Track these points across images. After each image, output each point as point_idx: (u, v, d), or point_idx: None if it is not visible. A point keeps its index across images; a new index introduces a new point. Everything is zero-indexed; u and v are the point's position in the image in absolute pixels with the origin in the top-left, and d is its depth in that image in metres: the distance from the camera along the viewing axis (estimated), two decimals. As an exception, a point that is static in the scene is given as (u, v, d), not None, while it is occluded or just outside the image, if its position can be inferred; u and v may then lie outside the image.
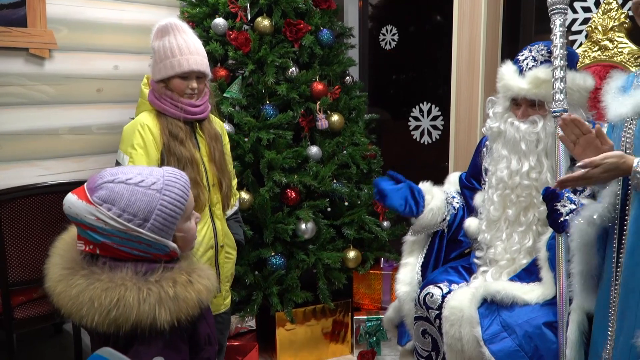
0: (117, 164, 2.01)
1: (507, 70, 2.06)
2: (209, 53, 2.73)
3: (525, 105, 2.02)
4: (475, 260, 2.19)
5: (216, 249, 2.14)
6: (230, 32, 2.75)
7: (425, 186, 2.27)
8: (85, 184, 1.25)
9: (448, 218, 2.27)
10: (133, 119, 3.13)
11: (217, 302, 2.20)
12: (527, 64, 2.01)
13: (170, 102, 2.01)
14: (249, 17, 2.80)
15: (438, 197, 2.25)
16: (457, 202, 2.31)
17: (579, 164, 1.48)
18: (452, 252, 2.31)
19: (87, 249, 1.24)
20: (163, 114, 2.03)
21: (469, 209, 2.30)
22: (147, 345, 1.21)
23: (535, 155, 1.99)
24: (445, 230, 2.28)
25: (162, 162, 2.00)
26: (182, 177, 1.32)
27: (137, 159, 1.95)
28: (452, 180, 2.44)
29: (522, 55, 2.05)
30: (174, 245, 1.28)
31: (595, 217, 1.53)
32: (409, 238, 2.35)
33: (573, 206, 1.70)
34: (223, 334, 2.29)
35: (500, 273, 2.05)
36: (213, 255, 2.13)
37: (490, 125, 2.12)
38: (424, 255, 2.30)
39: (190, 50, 2.01)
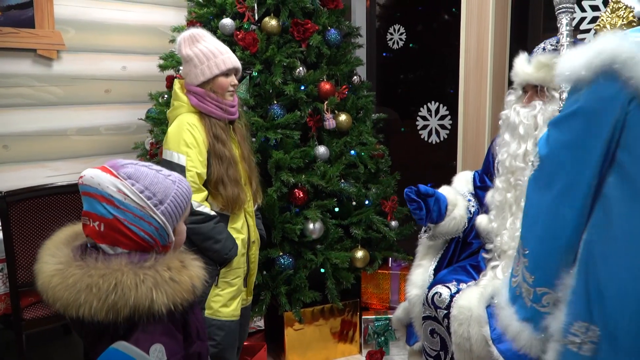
0: (167, 164, 2.01)
1: (519, 60, 2.10)
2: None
3: (532, 92, 2.05)
4: (484, 255, 2.19)
5: (248, 245, 2.25)
6: (238, 33, 2.75)
7: (449, 194, 2.26)
8: (105, 165, 1.30)
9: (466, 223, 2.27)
10: (142, 119, 3.17)
11: (243, 296, 2.29)
12: (537, 52, 2.07)
13: (216, 104, 2.11)
14: (256, 17, 2.80)
15: (461, 206, 2.25)
16: (473, 206, 2.31)
17: None
18: (462, 254, 2.30)
19: (92, 225, 1.27)
20: (207, 115, 2.11)
21: (482, 208, 2.29)
22: (146, 332, 1.24)
23: (532, 139, 2.01)
24: (462, 235, 2.28)
25: (209, 165, 2.08)
26: (187, 181, 1.41)
27: (193, 157, 2.03)
28: (462, 178, 2.43)
29: (536, 47, 2.10)
30: (173, 237, 1.34)
31: None
32: (426, 242, 2.35)
33: None
34: (243, 328, 2.37)
35: (510, 268, 2.04)
36: (246, 251, 2.24)
37: (501, 113, 2.14)
38: (438, 259, 2.30)
39: (227, 50, 2.17)
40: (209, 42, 2.14)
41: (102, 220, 1.26)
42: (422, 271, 2.27)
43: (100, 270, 1.22)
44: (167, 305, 1.24)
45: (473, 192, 2.36)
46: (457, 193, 2.30)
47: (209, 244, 2.05)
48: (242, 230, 2.21)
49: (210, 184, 2.11)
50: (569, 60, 1.25)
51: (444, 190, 2.27)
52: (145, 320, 1.23)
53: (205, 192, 2.07)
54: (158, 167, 1.35)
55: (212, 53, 2.11)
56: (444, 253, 2.30)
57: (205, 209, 2.05)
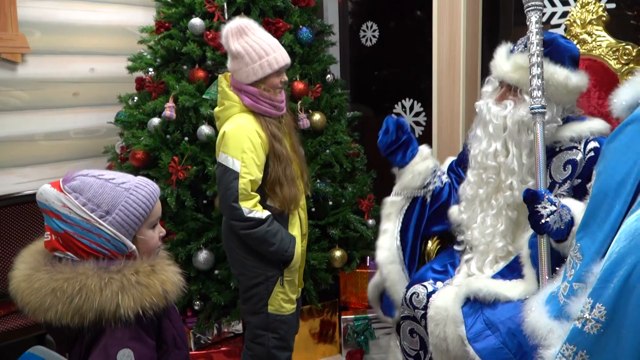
0: (222, 168, 1.99)
1: (500, 52, 2.07)
2: (186, 54, 2.70)
3: (506, 89, 2.03)
4: (456, 247, 2.19)
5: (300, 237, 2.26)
6: (208, 32, 2.70)
7: (423, 150, 2.26)
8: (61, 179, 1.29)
9: (432, 188, 2.26)
10: (111, 122, 3.11)
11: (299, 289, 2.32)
12: (517, 48, 2.02)
13: (270, 103, 2.08)
14: (226, 17, 2.75)
15: (425, 164, 2.23)
16: (446, 178, 2.29)
17: None
18: (433, 226, 2.28)
19: (52, 238, 1.26)
20: (262, 115, 2.07)
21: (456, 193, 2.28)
22: (114, 337, 1.23)
23: (502, 140, 2.00)
24: (429, 200, 2.26)
25: (267, 165, 2.04)
26: (152, 185, 1.36)
27: (249, 163, 1.98)
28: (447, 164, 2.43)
29: (519, 40, 2.06)
30: (132, 246, 1.30)
31: None
32: (388, 199, 2.32)
33: (553, 207, 1.70)
34: (296, 317, 2.35)
35: (483, 262, 2.04)
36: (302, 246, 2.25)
37: (476, 104, 2.12)
38: (401, 220, 2.28)
39: (278, 45, 2.09)
40: (259, 35, 2.05)
41: (57, 234, 1.25)
42: (388, 235, 2.26)
43: (66, 274, 1.22)
44: (134, 309, 1.23)
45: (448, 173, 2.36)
46: (429, 153, 2.28)
47: (263, 248, 2.06)
48: (297, 226, 2.21)
49: (266, 185, 2.07)
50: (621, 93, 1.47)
51: (422, 146, 2.27)
52: (113, 325, 1.22)
53: (257, 198, 2.03)
54: (111, 175, 1.31)
55: (264, 50, 2.02)
56: (407, 214, 2.28)
57: (257, 213, 2.01)
